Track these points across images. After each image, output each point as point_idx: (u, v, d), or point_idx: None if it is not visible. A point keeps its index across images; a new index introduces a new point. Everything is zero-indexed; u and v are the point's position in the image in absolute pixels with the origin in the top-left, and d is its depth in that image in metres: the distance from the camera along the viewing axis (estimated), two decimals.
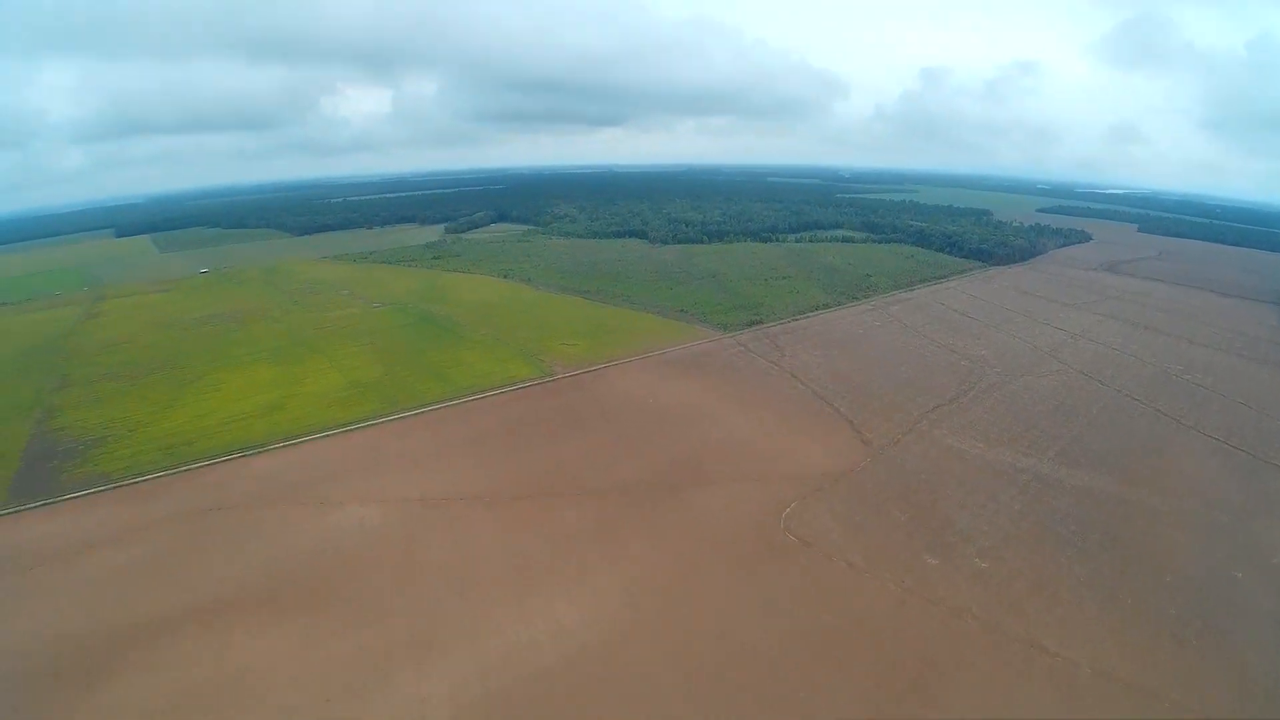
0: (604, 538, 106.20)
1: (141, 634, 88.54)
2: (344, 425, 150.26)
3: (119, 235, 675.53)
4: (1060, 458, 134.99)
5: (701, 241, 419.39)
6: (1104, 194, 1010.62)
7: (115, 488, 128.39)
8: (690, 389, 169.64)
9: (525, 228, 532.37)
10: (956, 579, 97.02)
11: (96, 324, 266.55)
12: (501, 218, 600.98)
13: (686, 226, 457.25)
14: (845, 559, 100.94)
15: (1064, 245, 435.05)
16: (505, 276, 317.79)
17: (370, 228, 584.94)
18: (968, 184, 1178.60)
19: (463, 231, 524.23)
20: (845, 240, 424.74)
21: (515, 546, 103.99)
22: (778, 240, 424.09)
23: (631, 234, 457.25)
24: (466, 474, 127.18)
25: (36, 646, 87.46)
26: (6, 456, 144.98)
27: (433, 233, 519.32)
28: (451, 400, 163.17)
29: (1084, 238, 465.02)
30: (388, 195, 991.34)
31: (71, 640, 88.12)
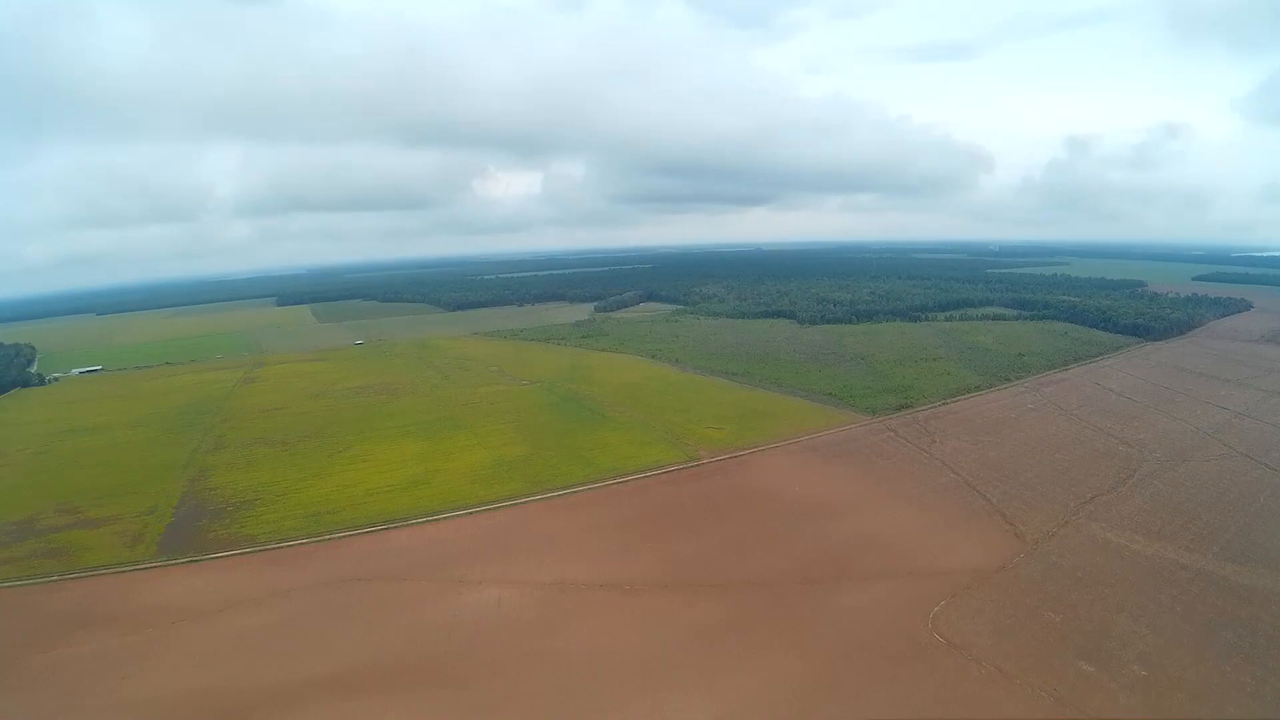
0: (743, 633, 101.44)
1: (272, 699, 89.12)
2: (486, 504, 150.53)
3: (280, 304, 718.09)
4: (1225, 553, 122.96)
5: (849, 321, 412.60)
6: (1262, 257, 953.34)
7: (260, 551, 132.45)
8: (836, 477, 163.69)
9: (673, 307, 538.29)
10: (1113, 688, 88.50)
11: (254, 389, 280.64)
12: (650, 297, 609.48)
13: (834, 306, 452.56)
14: (995, 664, 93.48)
15: (1223, 315, 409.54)
16: (652, 357, 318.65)
17: (520, 305, 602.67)
18: (1119, 253, 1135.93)
19: (611, 310, 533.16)
20: (995, 318, 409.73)
21: (651, 637, 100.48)
22: (926, 319, 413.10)
23: (779, 314, 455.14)
24: (605, 560, 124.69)
25: (172, 701, 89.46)
26: (159, 512, 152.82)
27: (582, 311, 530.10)
28: (594, 483, 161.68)
29: (1244, 306, 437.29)
30: (538, 273, 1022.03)
31: (205, 697, 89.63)
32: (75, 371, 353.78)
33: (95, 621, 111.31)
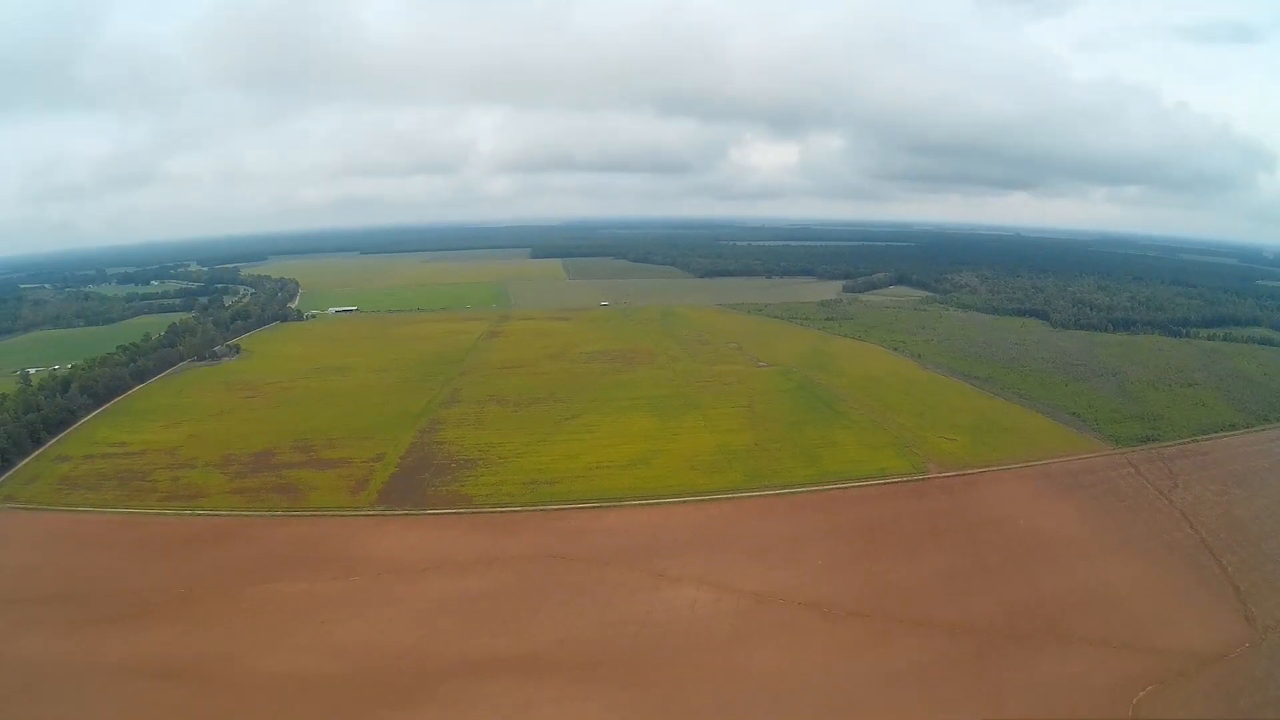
0: (933, 686, 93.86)
1: (459, 670, 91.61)
2: (704, 494, 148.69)
3: (534, 256, 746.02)
4: None
5: (1106, 329, 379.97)
6: None
7: (475, 513, 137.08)
8: (1065, 513, 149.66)
9: (923, 294, 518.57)
10: None
11: (496, 344, 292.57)
12: (900, 280, 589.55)
13: (1091, 310, 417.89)
14: None
15: None
16: (895, 349, 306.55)
17: (768, 277, 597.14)
18: None
19: (860, 291, 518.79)
20: (1265, 342, 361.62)
21: (839, 674, 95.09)
22: (1188, 335, 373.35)
23: (1032, 312, 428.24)
24: (811, 575, 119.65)
25: (365, 653, 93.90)
26: (387, 460, 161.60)
27: (829, 289, 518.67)
28: (815, 485, 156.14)
29: None
30: (789, 243, 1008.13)
31: (397, 657, 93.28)
32: (332, 311, 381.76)
33: (309, 562, 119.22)
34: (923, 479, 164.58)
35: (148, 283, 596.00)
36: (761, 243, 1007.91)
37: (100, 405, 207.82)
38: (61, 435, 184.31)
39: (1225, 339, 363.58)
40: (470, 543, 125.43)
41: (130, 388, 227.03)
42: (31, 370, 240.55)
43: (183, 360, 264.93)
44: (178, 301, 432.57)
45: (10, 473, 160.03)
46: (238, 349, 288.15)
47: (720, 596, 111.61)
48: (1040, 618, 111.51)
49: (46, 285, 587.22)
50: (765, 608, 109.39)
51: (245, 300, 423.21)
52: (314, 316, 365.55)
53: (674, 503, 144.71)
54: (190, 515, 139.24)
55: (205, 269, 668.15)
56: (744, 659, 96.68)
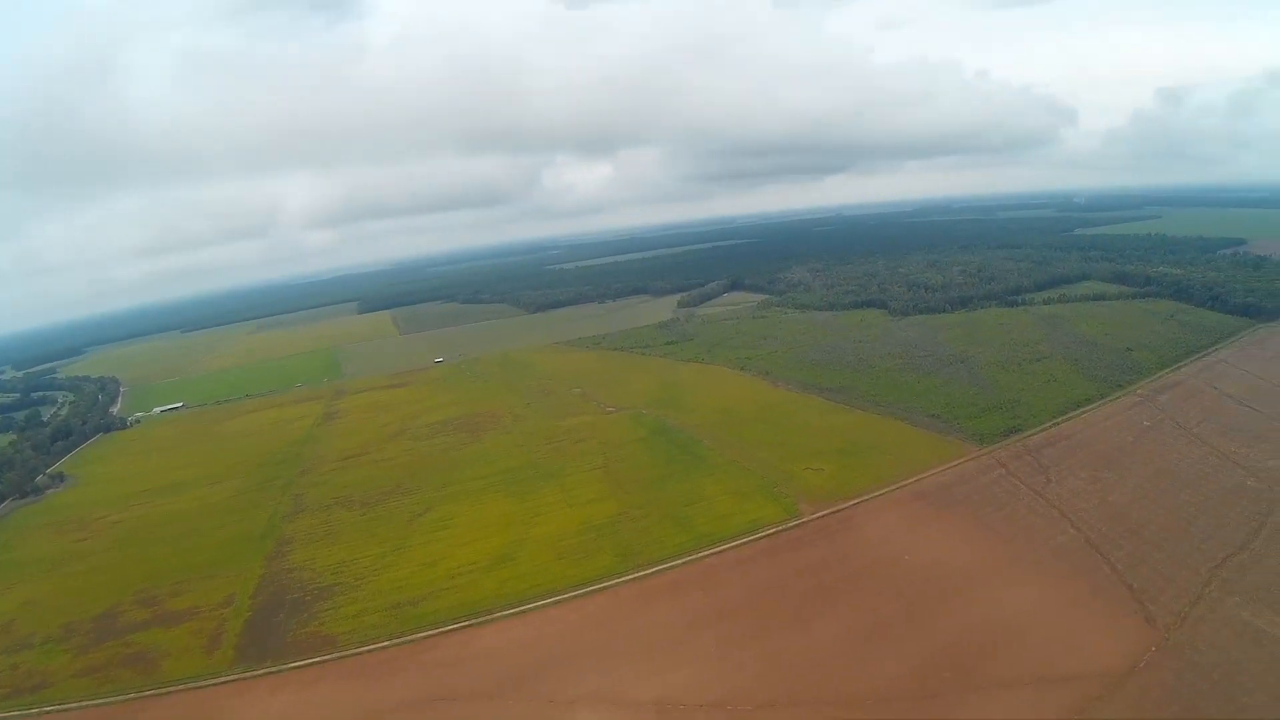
0: None
1: None
2: (576, 587, 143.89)
3: (362, 310, 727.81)
4: None
5: (944, 310, 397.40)
6: None
7: (341, 659, 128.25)
8: (948, 538, 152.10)
9: (759, 297, 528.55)
10: None
11: (333, 429, 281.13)
12: (734, 286, 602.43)
13: (927, 293, 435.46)
14: None
15: None
16: (742, 368, 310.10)
17: (602, 302, 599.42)
18: (1211, 200, 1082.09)
19: (695, 305, 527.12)
20: (1097, 298, 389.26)
21: None
22: (1025, 303, 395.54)
23: (870, 304, 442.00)
24: (708, 668, 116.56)
25: None
26: (238, 604, 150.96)
27: (665, 307, 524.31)
28: (690, 554, 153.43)
29: None
30: (618, 258, 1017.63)
31: None
32: (157, 410, 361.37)
33: None
34: (798, 524, 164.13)
35: None
36: (590, 261, 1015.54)
37: None
38: None
39: (1060, 301, 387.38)
40: (343, 698, 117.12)
41: None
42: None
43: (2, 501, 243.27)
44: None
45: None
46: (62, 476, 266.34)
47: (619, 716, 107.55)
48: (948, 669, 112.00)
49: None
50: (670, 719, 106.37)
51: (65, 412, 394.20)
52: (139, 421, 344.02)
53: (548, 604, 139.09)
54: (38, 715, 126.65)
55: (20, 374, 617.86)
56: None
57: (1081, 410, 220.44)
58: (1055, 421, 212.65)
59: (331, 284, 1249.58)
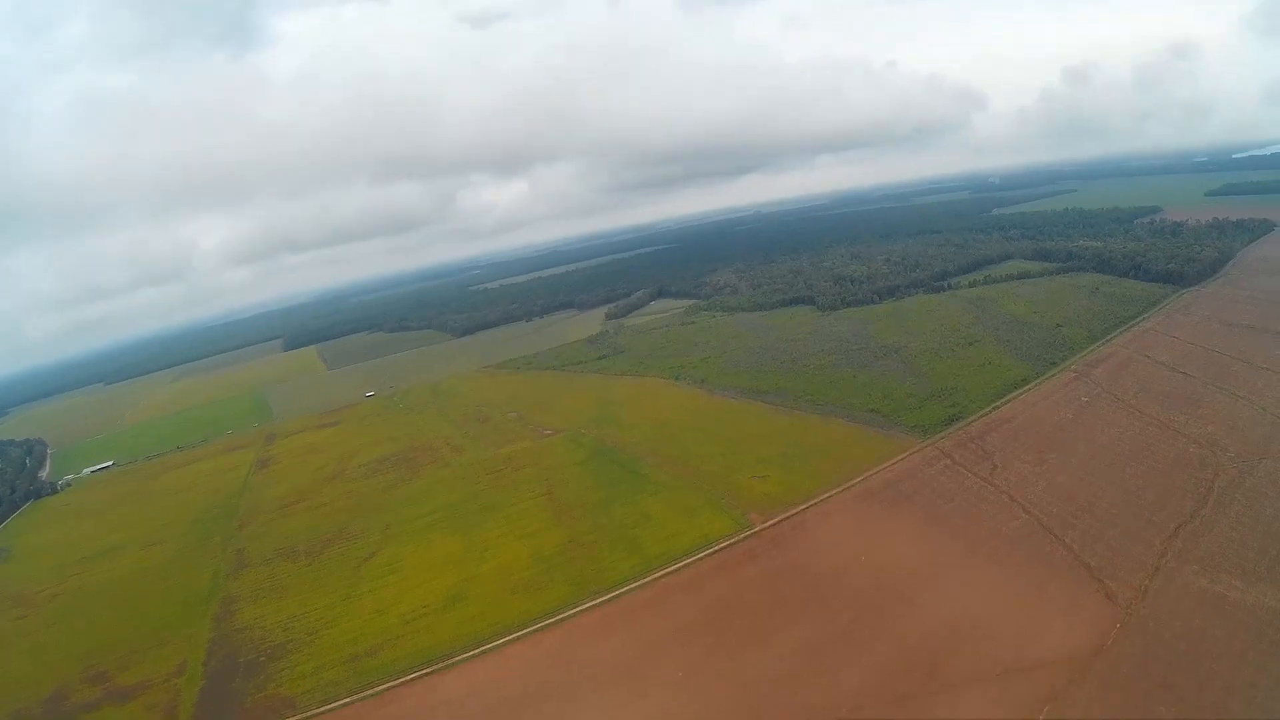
0: None
1: None
2: (533, 621, 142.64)
3: (287, 348, 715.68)
4: None
5: (872, 302, 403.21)
6: (1264, 156, 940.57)
7: (303, 719, 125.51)
8: (901, 536, 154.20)
9: (686, 304, 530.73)
10: None
11: (268, 476, 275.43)
12: (661, 293, 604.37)
13: (853, 285, 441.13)
14: None
15: (1250, 242, 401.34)
16: (677, 378, 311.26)
17: (529, 320, 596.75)
18: (1122, 170, 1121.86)
19: (623, 316, 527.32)
20: (1022, 277, 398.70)
21: None
22: (951, 288, 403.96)
23: (797, 301, 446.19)
24: (673, 696, 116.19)
25: None
26: (190, 671, 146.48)
27: (593, 321, 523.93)
28: (643, 577, 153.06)
29: (1267, 228, 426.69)
30: (540, 274, 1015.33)
31: None
32: (87, 471, 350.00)
33: None
34: (749, 535, 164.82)
35: None
36: (514, 279, 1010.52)
37: None
38: None
39: (986, 282, 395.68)
40: None
41: None
42: None
43: None
44: None
45: None
46: None
47: None
48: (915, 670, 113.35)
49: None
50: None
51: None
52: (69, 484, 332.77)
53: (507, 642, 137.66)
54: None
55: None
56: None
57: (1019, 392, 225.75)
58: (994, 406, 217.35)
59: (254, 321, 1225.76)
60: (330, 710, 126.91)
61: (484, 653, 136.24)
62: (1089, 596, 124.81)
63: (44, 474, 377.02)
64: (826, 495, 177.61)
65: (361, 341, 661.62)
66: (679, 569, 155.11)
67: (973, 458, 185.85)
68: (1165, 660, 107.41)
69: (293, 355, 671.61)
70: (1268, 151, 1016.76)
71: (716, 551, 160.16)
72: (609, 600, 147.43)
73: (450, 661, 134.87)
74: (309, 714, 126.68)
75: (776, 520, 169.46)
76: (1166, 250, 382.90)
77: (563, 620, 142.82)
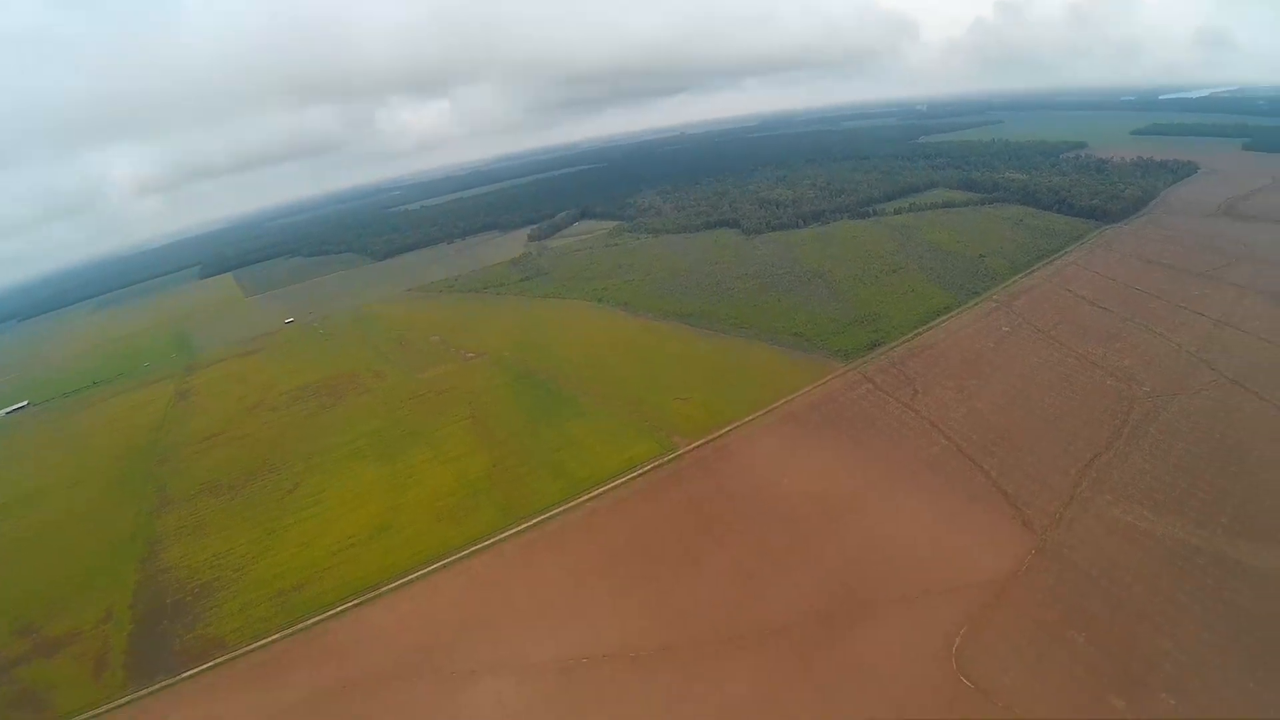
0: (772, 714, 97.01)
1: None
2: (459, 549, 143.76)
3: (203, 275, 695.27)
4: (1235, 528, 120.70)
5: (797, 226, 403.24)
6: (1191, 99, 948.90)
7: (234, 658, 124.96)
8: (824, 461, 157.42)
9: (611, 225, 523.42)
10: None
11: (189, 408, 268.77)
12: (584, 215, 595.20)
13: (778, 209, 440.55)
14: (1027, 710, 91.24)
15: (1173, 183, 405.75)
16: (600, 301, 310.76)
17: (451, 242, 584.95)
18: (1049, 104, 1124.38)
19: (546, 237, 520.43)
20: (947, 205, 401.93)
21: None
22: (876, 214, 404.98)
23: (722, 224, 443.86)
24: (602, 619, 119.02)
25: None
26: (117, 616, 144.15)
27: (516, 242, 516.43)
28: (570, 501, 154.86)
29: (1191, 169, 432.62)
30: (462, 195, 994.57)
31: None
32: (1, 414, 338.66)
33: None
34: (674, 458, 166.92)
35: None
36: (436, 200, 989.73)
37: None
38: None
39: (911, 210, 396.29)
40: (244, 704, 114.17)
41: None
42: None
43: None
44: None
45: None
46: None
47: (521, 680, 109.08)
48: (841, 591, 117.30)
49: None
50: (572, 678, 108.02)
51: None
52: None
53: (434, 569, 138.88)
54: None
55: None
56: None
57: (941, 319, 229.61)
58: (916, 332, 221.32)
59: (169, 250, 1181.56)
60: (261, 647, 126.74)
61: (412, 582, 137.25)
62: (1006, 523, 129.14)
63: None
64: (750, 418, 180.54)
65: (279, 267, 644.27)
66: (605, 492, 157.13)
67: (894, 383, 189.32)
68: (1078, 586, 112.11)
69: (210, 283, 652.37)
70: (1194, 95, 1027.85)
71: (642, 474, 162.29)
72: (536, 525, 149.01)
73: (379, 592, 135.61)
74: (238, 653, 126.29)
75: (701, 443, 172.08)
76: (1091, 186, 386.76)
77: (490, 546, 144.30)
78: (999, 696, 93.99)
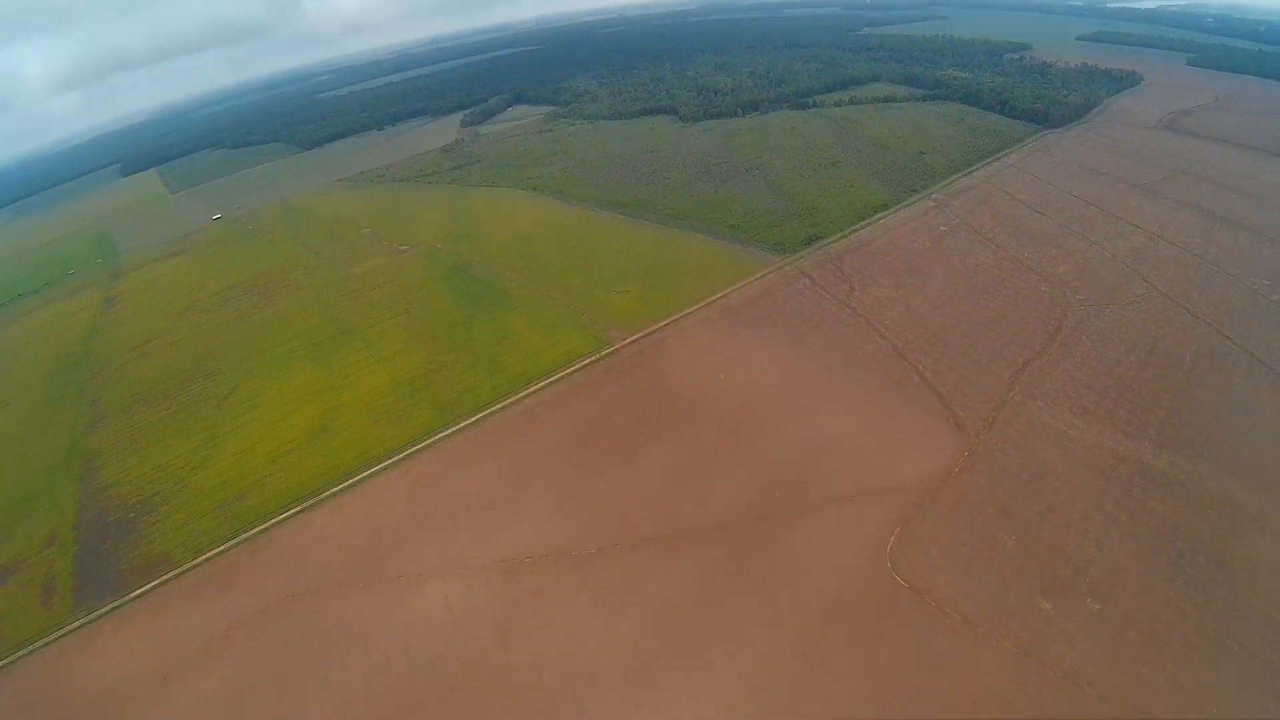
0: (710, 609, 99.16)
1: None
2: (400, 450, 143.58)
3: (125, 173, 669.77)
4: (1161, 439, 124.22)
5: (735, 115, 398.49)
6: (1139, 10, 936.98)
7: (181, 574, 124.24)
8: (761, 355, 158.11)
9: (545, 110, 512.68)
10: (1070, 629, 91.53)
11: (117, 315, 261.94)
12: (518, 99, 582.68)
13: (717, 97, 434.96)
14: (959, 610, 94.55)
15: (1116, 93, 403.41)
16: (535, 190, 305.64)
17: (381, 129, 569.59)
18: (995, 4, 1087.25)
19: (479, 123, 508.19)
20: (888, 100, 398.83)
21: (618, 630, 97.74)
22: (815, 106, 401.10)
23: (659, 110, 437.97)
24: (543, 517, 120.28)
25: None
26: (61, 540, 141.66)
27: (449, 129, 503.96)
28: (508, 398, 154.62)
29: (1135, 80, 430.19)
30: (392, 79, 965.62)
31: None
32: None
33: None
34: (611, 352, 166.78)
35: None
36: (366, 85, 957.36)
37: None
38: None
39: (851, 103, 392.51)
40: (193, 619, 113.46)
41: None
42: None
43: None
44: None
45: None
46: None
47: (467, 581, 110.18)
48: (777, 491, 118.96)
49: None
50: (517, 578, 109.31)
51: None
52: None
53: (375, 472, 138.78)
54: None
55: None
56: (521, 653, 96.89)
57: (879, 216, 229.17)
58: (854, 228, 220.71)
59: (89, 147, 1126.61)
60: (207, 560, 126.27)
61: (353, 485, 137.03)
62: (939, 424, 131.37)
63: None
64: (687, 312, 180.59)
65: (204, 161, 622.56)
66: (543, 388, 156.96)
67: (831, 278, 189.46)
68: (1008, 490, 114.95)
69: (132, 181, 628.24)
70: (1143, 6, 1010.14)
71: (579, 370, 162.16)
72: (474, 424, 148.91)
73: (321, 497, 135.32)
74: (185, 568, 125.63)
75: (638, 337, 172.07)
76: (1034, 90, 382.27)
77: (430, 446, 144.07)
78: (932, 595, 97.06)
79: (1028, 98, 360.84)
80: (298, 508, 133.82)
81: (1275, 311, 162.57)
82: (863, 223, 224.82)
